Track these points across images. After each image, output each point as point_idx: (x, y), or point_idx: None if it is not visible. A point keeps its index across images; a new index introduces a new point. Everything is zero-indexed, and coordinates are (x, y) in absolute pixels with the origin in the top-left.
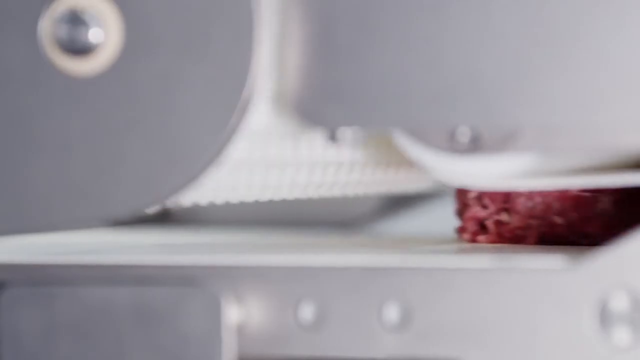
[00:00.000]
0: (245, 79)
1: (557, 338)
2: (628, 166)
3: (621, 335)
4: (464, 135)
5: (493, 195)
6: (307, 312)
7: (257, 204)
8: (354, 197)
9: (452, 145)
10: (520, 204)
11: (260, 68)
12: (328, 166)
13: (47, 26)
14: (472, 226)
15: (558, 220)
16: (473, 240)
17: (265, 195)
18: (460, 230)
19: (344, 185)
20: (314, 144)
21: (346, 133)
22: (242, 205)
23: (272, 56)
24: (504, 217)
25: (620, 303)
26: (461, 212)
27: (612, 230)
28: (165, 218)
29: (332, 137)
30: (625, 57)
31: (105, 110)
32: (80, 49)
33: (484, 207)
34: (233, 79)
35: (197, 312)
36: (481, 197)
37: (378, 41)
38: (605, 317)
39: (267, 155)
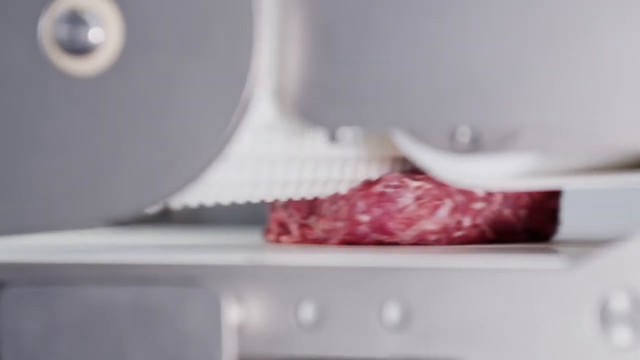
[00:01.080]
0: (246, 78)
1: (557, 338)
2: (628, 166)
3: (621, 335)
4: (464, 135)
5: (299, 202)
6: (307, 312)
7: (257, 204)
8: None
9: (452, 145)
10: (325, 209)
11: (260, 68)
12: (328, 164)
13: (47, 26)
14: (276, 228)
15: (363, 218)
16: (277, 241)
17: (265, 195)
18: (266, 232)
19: (345, 184)
20: (314, 144)
21: (346, 133)
22: (242, 205)
23: (272, 56)
24: (310, 220)
25: (620, 303)
26: (269, 214)
27: (413, 226)
28: (165, 218)
29: (332, 137)
30: (625, 57)
31: (105, 110)
32: (80, 49)
33: (290, 212)
34: (233, 78)
35: (197, 312)
36: (288, 203)
37: (378, 41)
38: (605, 317)
39: (267, 154)
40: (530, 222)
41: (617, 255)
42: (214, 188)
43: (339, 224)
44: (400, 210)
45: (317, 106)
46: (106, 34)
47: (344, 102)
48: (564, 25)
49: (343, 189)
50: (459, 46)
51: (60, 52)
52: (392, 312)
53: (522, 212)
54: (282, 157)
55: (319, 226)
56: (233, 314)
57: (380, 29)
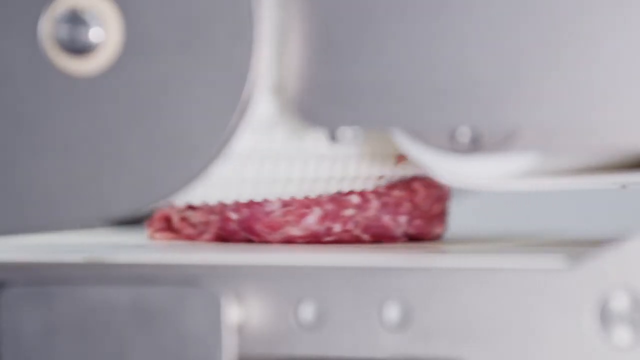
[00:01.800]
0: (246, 78)
1: (557, 338)
2: (628, 166)
3: (621, 335)
4: (464, 135)
5: None
6: (307, 312)
7: None
8: None
9: (452, 145)
10: None
11: (260, 67)
12: (330, 162)
13: (47, 26)
14: (158, 223)
15: (233, 216)
16: (152, 237)
17: (266, 194)
18: (148, 225)
19: (345, 183)
20: (314, 142)
21: (346, 133)
22: None
23: (272, 55)
24: (188, 213)
25: (620, 303)
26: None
27: (279, 230)
28: None
29: (332, 137)
30: (624, 57)
31: (106, 110)
32: (80, 49)
33: (173, 205)
34: (233, 78)
35: (197, 312)
36: None
37: (378, 41)
38: (605, 317)
39: (267, 153)
40: (412, 228)
41: (617, 255)
42: (214, 187)
43: (213, 217)
44: (267, 214)
45: (317, 106)
46: (106, 34)
47: (344, 102)
48: (563, 25)
49: (345, 187)
50: (458, 46)
51: (60, 52)
52: (392, 312)
53: (403, 219)
54: (282, 155)
55: (196, 218)
56: (233, 314)
57: (380, 29)
